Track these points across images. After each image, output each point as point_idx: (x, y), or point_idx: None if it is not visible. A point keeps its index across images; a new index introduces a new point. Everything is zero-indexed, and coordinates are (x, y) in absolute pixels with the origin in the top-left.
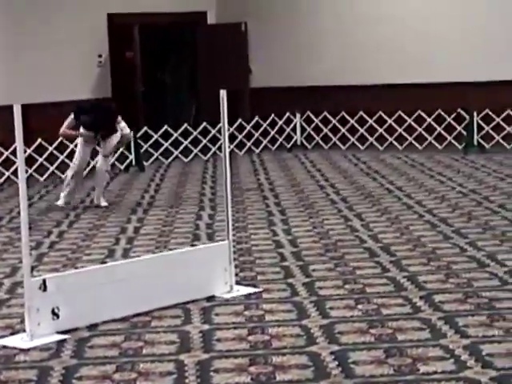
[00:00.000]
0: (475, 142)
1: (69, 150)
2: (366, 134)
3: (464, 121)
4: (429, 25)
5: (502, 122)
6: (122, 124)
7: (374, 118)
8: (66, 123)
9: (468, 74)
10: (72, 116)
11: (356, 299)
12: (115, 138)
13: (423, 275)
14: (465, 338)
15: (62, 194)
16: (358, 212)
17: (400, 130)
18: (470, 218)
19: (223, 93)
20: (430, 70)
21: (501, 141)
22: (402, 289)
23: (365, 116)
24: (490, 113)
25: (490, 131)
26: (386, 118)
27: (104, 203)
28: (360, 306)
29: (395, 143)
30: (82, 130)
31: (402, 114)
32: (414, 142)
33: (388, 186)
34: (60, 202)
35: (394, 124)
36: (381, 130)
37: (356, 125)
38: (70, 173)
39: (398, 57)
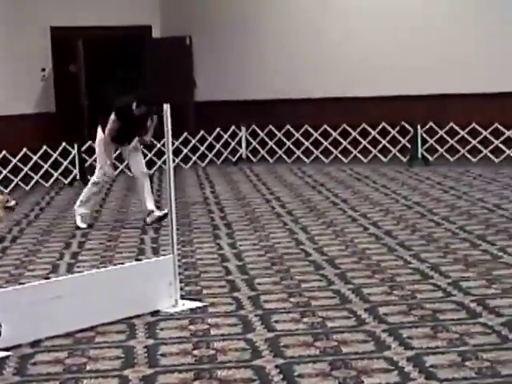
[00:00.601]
0: (419, 155)
1: (12, 166)
2: (311, 148)
3: (408, 134)
4: (373, 39)
5: (445, 135)
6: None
7: (319, 131)
8: (112, 126)
9: (412, 87)
10: (116, 118)
11: (301, 312)
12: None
13: (368, 288)
14: (409, 349)
15: (83, 212)
16: (304, 225)
17: (345, 143)
18: (414, 231)
19: (167, 107)
20: (374, 83)
21: (444, 153)
22: (347, 301)
23: (310, 129)
24: (434, 126)
25: (434, 144)
26: (330, 131)
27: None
28: (305, 319)
29: (340, 156)
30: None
31: (347, 127)
32: (358, 154)
33: (333, 198)
34: (83, 225)
35: (338, 137)
36: (326, 144)
37: (301, 138)
38: (94, 187)
39: (343, 70)
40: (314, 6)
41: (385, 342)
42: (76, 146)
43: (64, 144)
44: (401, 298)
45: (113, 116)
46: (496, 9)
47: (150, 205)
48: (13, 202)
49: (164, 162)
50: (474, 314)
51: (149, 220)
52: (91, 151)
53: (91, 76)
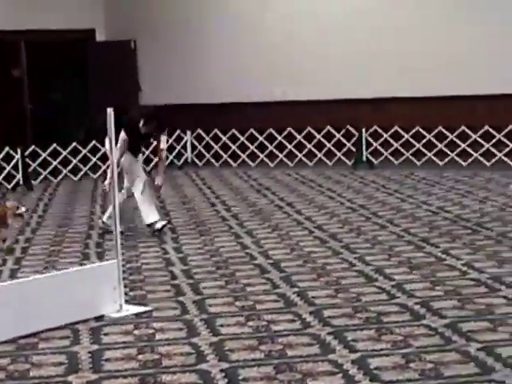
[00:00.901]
0: (364, 158)
1: None
2: (256, 151)
3: (353, 137)
4: (317, 42)
5: (389, 138)
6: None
7: (264, 135)
8: (120, 144)
9: (356, 90)
10: (124, 134)
11: (246, 316)
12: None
13: (313, 291)
14: (353, 352)
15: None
16: (249, 229)
17: (290, 146)
18: (358, 234)
19: (110, 111)
20: (318, 86)
21: (389, 157)
22: (292, 305)
23: (255, 133)
24: (378, 129)
25: (379, 147)
26: (276, 135)
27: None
28: (250, 323)
29: (285, 160)
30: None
31: (292, 131)
32: (304, 158)
33: (278, 202)
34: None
35: (284, 141)
36: (271, 148)
37: (246, 142)
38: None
39: (287, 74)
40: (257, 8)
41: (329, 345)
42: (19, 151)
43: (7, 148)
44: (345, 301)
45: (123, 135)
46: (442, 12)
47: (152, 217)
48: (23, 209)
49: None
50: (417, 316)
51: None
52: (35, 155)
53: (34, 79)
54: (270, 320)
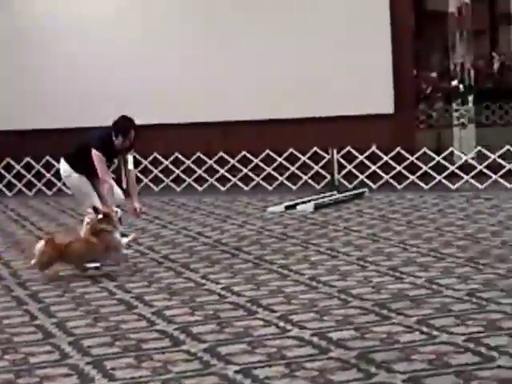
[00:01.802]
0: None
1: None
2: (13, 180)
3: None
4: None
5: (149, 165)
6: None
7: (22, 163)
8: (101, 163)
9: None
10: (97, 151)
11: (3, 349)
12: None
13: (72, 321)
14: (113, 380)
15: None
16: (7, 260)
17: (48, 175)
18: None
19: None
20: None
21: (149, 183)
22: (51, 336)
23: (12, 162)
24: (138, 156)
25: (139, 174)
26: (33, 163)
27: None
28: (7, 356)
29: (44, 189)
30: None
31: (50, 159)
32: (62, 187)
33: (37, 232)
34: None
35: (42, 169)
36: (29, 176)
37: (3, 171)
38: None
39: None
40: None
41: (88, 375)
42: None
43: None
44: (105, 330)
45: (98, 154)
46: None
47: None
48: (118, 211)
49: None
50: (177, 341)
51: None
52: None
53: None
54: (28, 352)
